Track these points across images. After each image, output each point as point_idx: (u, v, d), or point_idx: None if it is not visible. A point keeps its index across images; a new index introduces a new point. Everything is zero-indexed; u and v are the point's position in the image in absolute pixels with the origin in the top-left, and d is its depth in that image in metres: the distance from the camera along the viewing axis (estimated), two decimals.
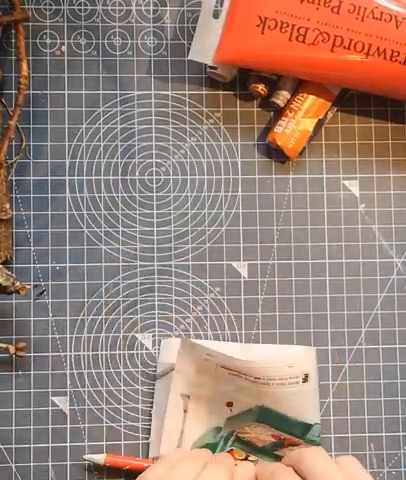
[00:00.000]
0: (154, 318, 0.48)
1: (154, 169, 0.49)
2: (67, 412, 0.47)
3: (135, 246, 0.49)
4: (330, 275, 0.49)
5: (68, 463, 0.47)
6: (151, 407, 0.47)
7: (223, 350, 0.45)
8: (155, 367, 0.48)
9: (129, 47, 0.49)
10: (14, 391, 0.47)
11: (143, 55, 0.50)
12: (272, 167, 0.50)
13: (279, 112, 0.49)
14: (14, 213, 0.48)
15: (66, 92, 0.49)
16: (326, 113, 0.49)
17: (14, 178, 0.48)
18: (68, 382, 0.47)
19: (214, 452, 0.46)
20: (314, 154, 0.50)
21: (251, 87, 0.48)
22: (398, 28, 0.44)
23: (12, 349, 0.46)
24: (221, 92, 0.50)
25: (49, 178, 0.48)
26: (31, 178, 0.48)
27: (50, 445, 0.47)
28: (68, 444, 0.47)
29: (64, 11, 0.49)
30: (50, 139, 0.49)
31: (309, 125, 0.48)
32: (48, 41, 0.49)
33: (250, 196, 0.49)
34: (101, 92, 0.49)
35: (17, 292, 0.44)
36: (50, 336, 0.47)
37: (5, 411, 0.47)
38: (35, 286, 0.48)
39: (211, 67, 0.48)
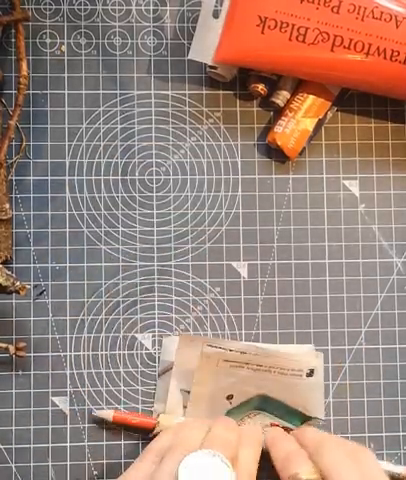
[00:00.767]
0: (154, 318, 0.48)
1: (154, 169, 0.49)
2: (67, 412, 0.47)
3: (135, 246, 0.48)
4: (330, 275, 0.49)
5: (68, 463, 0.47)
6: (151, 407, 0.47)
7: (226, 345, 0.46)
8: (155, 367, 0.48)
9: (129, 47, 0.49)
10: (14, 391, 0.47)
11: (143, 55, 0.49)
12: (272, 167, 0.50)
13: (279, 112, 0.49)
14: (14, 213, 0.48)
15: (66, 92, 0.49)
16: (326, 113, 0.49)
17: (14, 178, 0.48)
18: (68, 382, 0.47)
19: None
20: (314, 154, 0.50)
21: (251, 87, 0.48)
22: (398, 28, 0.44)
23: (12, 349, 0.46)
24: (221, 92, 0.50)
25: (49, 178, 0.48)
26: (31, 178, 0.48)
27: (50, 445, 0.47)
28: (68, 444, 0.47)
29: (64, 11, 0.49)
30: (50, 139, 0.49)
31: (309, 125, 0.48)
32: (48, 41, 0.49)
33: (250, 196, 0.49)
34: (101, 92, 0.49)
35: (17, 292, 0.44)
36: (50, 336, 0.47)
37: (5, 411, 0.47)
38: (35, 286, 0.48)
39: (211, 67, 0.48)
